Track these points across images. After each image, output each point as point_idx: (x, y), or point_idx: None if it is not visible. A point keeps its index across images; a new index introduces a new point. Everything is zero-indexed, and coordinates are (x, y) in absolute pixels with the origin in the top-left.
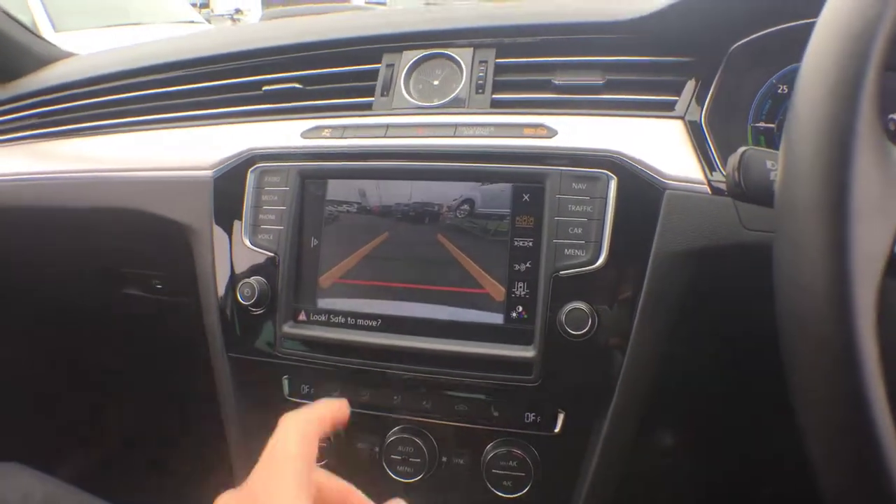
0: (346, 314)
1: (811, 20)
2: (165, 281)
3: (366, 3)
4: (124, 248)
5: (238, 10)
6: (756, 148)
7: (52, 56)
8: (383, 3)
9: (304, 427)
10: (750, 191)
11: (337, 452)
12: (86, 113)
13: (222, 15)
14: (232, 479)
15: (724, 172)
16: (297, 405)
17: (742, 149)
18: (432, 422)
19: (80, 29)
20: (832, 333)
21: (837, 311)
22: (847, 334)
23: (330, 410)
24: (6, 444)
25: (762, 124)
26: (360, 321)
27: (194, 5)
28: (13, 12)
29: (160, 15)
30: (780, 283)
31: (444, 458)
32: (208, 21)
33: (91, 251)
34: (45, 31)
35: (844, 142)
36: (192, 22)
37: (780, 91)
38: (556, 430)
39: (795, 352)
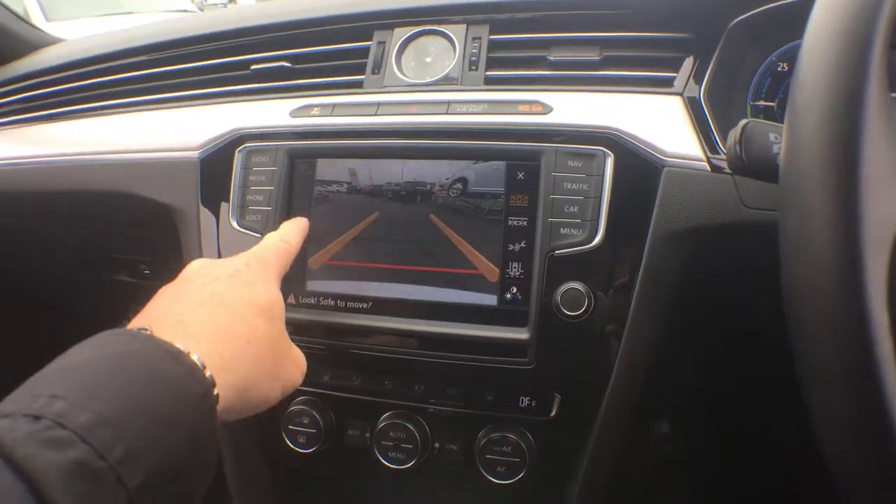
0: (335, 297)
1: None
2: (153, 266)
3: None
4: (111, 232)
5: (231, 0)
6: (758, 120)
7: (40, 42)
8: None
9: (284, 245)
10: (752, 164)
11: (327, 438)
12: (71, 97)
13: (215, 4)
14: (220, 464)
15: (723, 149)
16: None
17: (744, 121)
18: (424, 406)
19: (72, 18)
20: (842, 305)
21: (847, 282)
22: (858, 305)
23: (299, 230)
24: None
25: (762, 102)
26: (350, 304)
27: None
28: (3, 1)
29: (152, 3)
30: (787, 255)
31: (437, 444)
32: (201, 10)
33: (78, 235)
34: (37, 20)
35: (853, 108)
36: (185, 11)
37: (779, 69)
38: (552, 414)
39: (803, 325)
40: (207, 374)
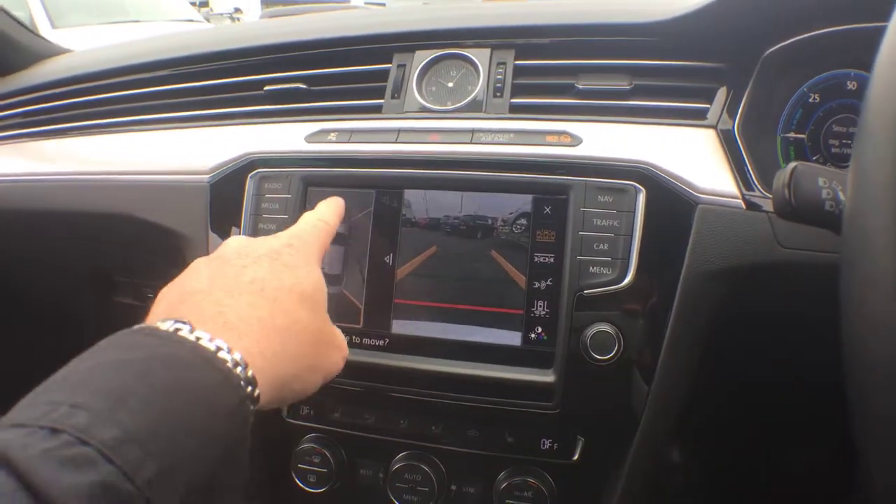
0: (349, 332)
1: (847, 26)
2: (158, 290)
3: (365, 3)
4: (115, 255)
5: (237, 10)
6: (807, 164)
7: (46, 52)
8: (382, 4)
9: (323, 224)
10: (801, 209)
11: (338, 478)
12: (77, 112)
13: (221, 14)
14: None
15: (759, 186)
16: (296, 427)
17: (792, 164)
18: (441, 447)
19: (78, 26)
20: None
21: None
22: None
23: (337, 210)
24: None
25: (792, 134)
26: (365, 340)
27: (193, 4)
28: (10, 8)
29: (159, 13)
30: (849, 322)
31: (454, 487)
32: (207, 20)
33: (80, 256)
34: (43, 27)
35: None
36: (191, 20)
37: (811, 100)
38: (575, 457)
39: (866, 395)
40: (249, 372)
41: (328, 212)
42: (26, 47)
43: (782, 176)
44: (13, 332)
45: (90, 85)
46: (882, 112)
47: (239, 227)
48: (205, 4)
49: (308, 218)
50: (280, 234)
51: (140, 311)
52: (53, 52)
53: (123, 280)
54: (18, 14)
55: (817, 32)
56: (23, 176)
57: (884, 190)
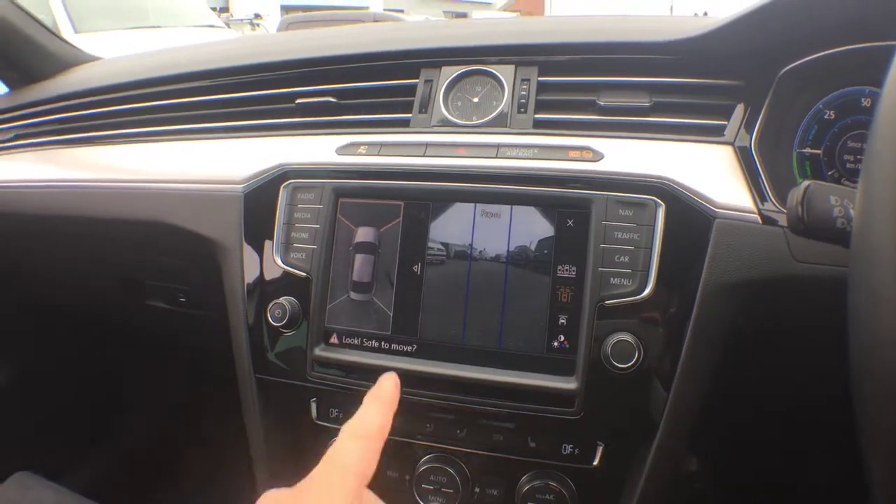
0: (380, 338)
1: (862, 45)
2: (190, 295)
3: (384, 10)
4: (148, 260)
5: (257, 15)
6: (819, 182)
7: (74, 59)
8: (401, 11)
9: (365, 443)
10: (813, 227)
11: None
12: (111, 120)
13: (241, 19)
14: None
15: (774, 201)
16: (325, 429)
17: (805, 183)
18: (465, 451)
19: (100, 31)
20: None
21: None
22: None
23: (386, 420)
24: (19, 453)
25: (808, 150)
26: (395, 346)
27: (214, 9)
28: (33, 13)
29: (180, 18)
30: (856, 335)
31: (478, 489)
32: (227, 25)
33: (113, 261)
34: (66, 32)
35: None
36: (212, 26)
37: (826, 116)
38: (595, 462)
39: (871, 410)
40: None
41: (374, 423)
42: (56, 55)
43: (796, 194)
44: (45, 335)
45: (128, 94)
46: (890, 132)
47: (271, 235)
48: (225, 10)
49: (349, 439)
50: (314, 483)
51: (171, 315)
52: (83, 59)
53: (155, 284)
54: (41, 18)
55: (833, 51)
56: (58, 182)
57: (891, 206)
